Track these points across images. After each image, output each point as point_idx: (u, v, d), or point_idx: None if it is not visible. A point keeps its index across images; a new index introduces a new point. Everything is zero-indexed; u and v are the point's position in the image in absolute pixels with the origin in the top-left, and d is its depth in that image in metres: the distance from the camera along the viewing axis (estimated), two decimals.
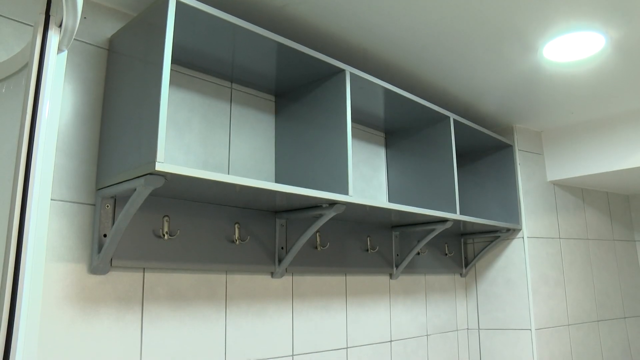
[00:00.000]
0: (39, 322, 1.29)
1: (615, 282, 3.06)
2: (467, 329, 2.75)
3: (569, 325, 2.69)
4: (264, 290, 1.81)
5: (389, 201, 2.32)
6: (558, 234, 2.77)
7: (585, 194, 3.00)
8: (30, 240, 1.30)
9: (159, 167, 1.19)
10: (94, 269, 1.39)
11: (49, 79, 0.99)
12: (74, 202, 1.39)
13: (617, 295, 3.04)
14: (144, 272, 1.51)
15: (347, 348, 2.06)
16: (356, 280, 2.15)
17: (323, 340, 1.97)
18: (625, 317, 3.04)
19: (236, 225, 1.71)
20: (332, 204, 1.62)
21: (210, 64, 1.69)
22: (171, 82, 1.63)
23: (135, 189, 1.26)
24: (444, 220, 2.08)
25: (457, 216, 2.09)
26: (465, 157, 2.78)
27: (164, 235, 1.52)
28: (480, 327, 2.70)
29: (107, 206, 1.43)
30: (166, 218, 1.54)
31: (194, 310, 1.60)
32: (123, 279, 1.46)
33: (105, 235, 1.41)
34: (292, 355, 1.86)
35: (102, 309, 1.41)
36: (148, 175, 1.21)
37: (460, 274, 2.76)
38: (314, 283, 1.98)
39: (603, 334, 2.88)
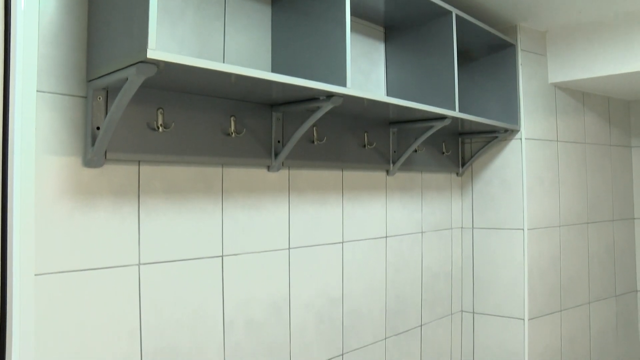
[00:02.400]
0: (33, 212, 1.30)
1: (608, 186, 3.09)
2: (462, 227, 2.80)
3: (560, 226, 2.75)
4: (260, 184, 1.81)
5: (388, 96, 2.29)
6: (556, 136, 2.76)
7: (586, 98, 2.96)
8: (17, 130, 1.27)
9: (150, 54, 1.14)
10: (88, 162, 1.38)
11: None
12: (64, 95, 1.35)
13: (608, 198, 3.08)
14: (139, 165, 1.50)
15: (342, 242, 2.10)
16: (353, 175, 2.16)
17: (319, 234, 2.01)
18: (613, 220, 3.10)
19: (232, 118, 1.68)
20: (330, 96, 1.58)
21: None
22: None
23: (127, 79, 1.22)
24: (442, 118, 2.05)
25: (455, 113, 2.06)
26: (466, 56, 2.71)
27: (158, 128, 1.50)
28: (474, 226, 2.75)
29: (99, 98, 1.39)
30: (160, 110, 1.50)
31: (191, 203, 1.61)
32: (118, 172, 1.45)
33: (98, 128, 1.38)
34: (289, 248, 1.90)
35: (98, 201, 1.41)
36: (140, 64, 1.17)
37: (457, 173, 2.78)
38: (310, 177, 1.98)
39: (591, 235, 2.94)
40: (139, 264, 1.49)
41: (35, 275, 1.28)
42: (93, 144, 1.37)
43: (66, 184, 1.35)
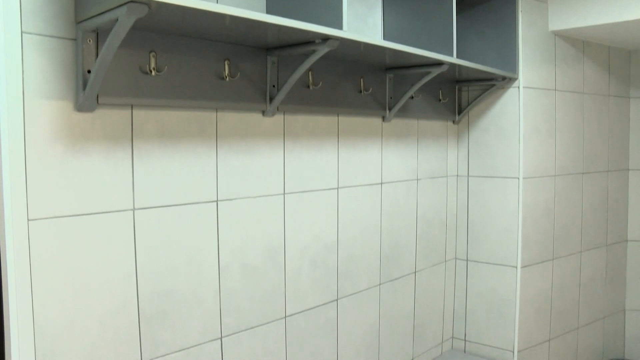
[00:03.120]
0: (24, 156, 1.28)
1: (605, 137, 3.08)
2: (457, 175, 2.81)
3: (555, 175, 2.75)
4: (255, 129, 1.79)
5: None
6: (554, 85, 2.73)
7: (586, 47, 2.92)
8: (2, 72, 1.24)
9: None
10: (80, 107, 1.36)
11: None
12: (52, 37, 1.31)
13: (603, 149, 3.08)
14: (132, 109, 1.48)
15: (338, 188, 2.10)
16: (348, 121, 2.14)
17: (314, 179, 2.01)
18: (608, 171, 3.11)
19: (226, 62, 1.65)
20: (325, 39, 1.55)
21: None
22: None
23: (118, 20, 1.18)
24: (439, 64, 2.02)
25: (453, 60, 2.03)
26: (465, 2, 2.65)
27: (151, 72, 1.47)
28: (469, 174, 2.76)
29: (89, 41, 1.36)
30: (152, 54, 1.47)
31: (185, 147, 1.60)
32: (111, 117, 1.43)
33: (89, 72, 1.35)
34: (284, 193, 1.90)
35: (91, 146, 1.39)
36: (130, 3, 1.13)
37: (453, 121, 2.76)
38: (306, 122, 1.97)
39: (585, 186, 2.96)
40: (134, 209, 1.49)
41: (29, 220, 1.28)
42: (84, 87, 1.34)
43: (58, 129, 1.33)
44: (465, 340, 2.88)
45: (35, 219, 1.30)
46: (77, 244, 1.38)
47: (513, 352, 2.68)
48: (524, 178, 2.59)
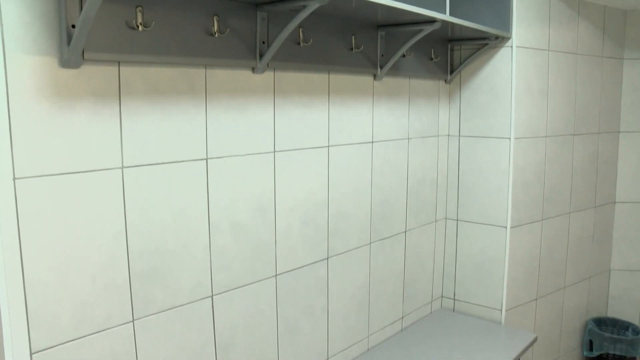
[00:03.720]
0: (7, 113, 1.26)
1: (597, 98, 3.07)
2: (448, 135, 2.80)
3: (546, 136, 2.75)
4: (245, 86, 1.77)
5: None
6: (548, 45, 2.70)
7: (582, 7, 2.88)
8: None
9: None
10: (65, 63, 1.32)
11: None
12: None
13: (595, 111, 3.07)
14: (119, 65, 1.44)
15: (328, 147, 2.09)
16: (339, 79, 2.12)
17: (305, 137, 2.00)
18: (599, 133, 3.11)
19: (215, 18, 1.61)
20: None
21: None
22: None
23: None
24: (432, 21, 1.99)
25: (446, 17, 2.00)
26: None
27: (137, 27, 1.43)
28: (460, 134, 2.75)
29: None
30: (139, 9, 1.43)
31: (173, 104, 1.57)
32: (97, 73, 1.40)
33: (73, 27, 1.32)
34: (274, 151, 1.89)
35: (78, 103, 1.37)
36: None
37: (445, 81, 2.74)
38: (296, 80, 1.94)
39: (576, 147, 2.96)
40: (122, 167, 1.47)
41: (15, 179, 1.27)
42: (69, 43, 1.31)
43: (43, 85, 1.30)
44: (454, 299, 2.92)
45: (22, 178, 1.28)
46: (66, 203, 1.36)
47: (501, 311, 2.73)
48: (515, 139, 2.59)
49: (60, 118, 1.34)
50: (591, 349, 3.09)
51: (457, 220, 2.83)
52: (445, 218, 2.87)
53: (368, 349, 2.49)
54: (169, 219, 1.60)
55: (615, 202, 3.30)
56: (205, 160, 1.68)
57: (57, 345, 1.38)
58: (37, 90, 1.29)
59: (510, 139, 2.58)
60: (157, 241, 1.57)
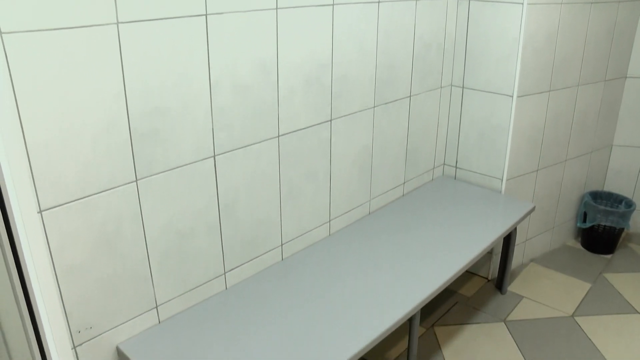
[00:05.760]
0: None
1: None
2: None
3: (561, 3, 2.61)
4: None
5: None
6: None
7: None
8: None
9: None
10: None
11: None
12: None
13: None
14: None
15: (333, 5, 1.98)
16: None
17: None
18: (619, 1, 2.95)
19: None
20: None
21: None
22: None
23: None
24: None
25: None
26: None
27: None
28: None
29: None
30: None
31: None
32: None
33: None
34: (277, 8, 1.78)
35: None
36: None
37: None
38: None
39: (593, 15, 2.82)
40: (117, 23, 1.39)
41: (1, 33, 1.18)
42: None
43: None
44: (456, 167, 2.94)
45: (9, 32, 1.20)
46: (59, 62, 1.30)
47: (502, 180, 2.75)
48: (528, 4, 2.46)
49: None
50: (584, 221, 3.17)
51: (463, 87, 2.77)
52: (451, 85, 2.81)
53: (369, 213, 2.54)
54: (168, 78, 1.55)
55: (626, 77, 3.20)
56: (204, 16, 1.59)
57: (64, 203, 1.40)
58: None
59: (523, 4, 2.45)
60: (157, 101, 1.54)
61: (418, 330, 2.01)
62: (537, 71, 2.63)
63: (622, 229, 3.11)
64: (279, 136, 1.94)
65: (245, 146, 1.83)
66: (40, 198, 1.34)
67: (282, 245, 2.11)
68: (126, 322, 1.65)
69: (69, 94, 1.34)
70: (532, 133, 2.75)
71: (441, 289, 2.01)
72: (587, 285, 2.88)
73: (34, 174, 1.32)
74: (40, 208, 1.35)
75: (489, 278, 2.93)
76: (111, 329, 1.61)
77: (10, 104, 1.24)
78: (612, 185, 3.39)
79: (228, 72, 1.70)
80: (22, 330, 1.15)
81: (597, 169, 3.29)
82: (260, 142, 1.88)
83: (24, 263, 1.09)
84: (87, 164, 1.42)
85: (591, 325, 2.57)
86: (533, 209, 2.65)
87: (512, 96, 2.59)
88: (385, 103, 2.40)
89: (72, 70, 1.33)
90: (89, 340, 1.56)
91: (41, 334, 1.13)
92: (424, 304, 1.92)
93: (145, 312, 1.69)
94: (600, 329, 2.54)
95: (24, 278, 1.09)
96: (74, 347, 1.53)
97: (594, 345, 2.43)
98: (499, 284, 2.82)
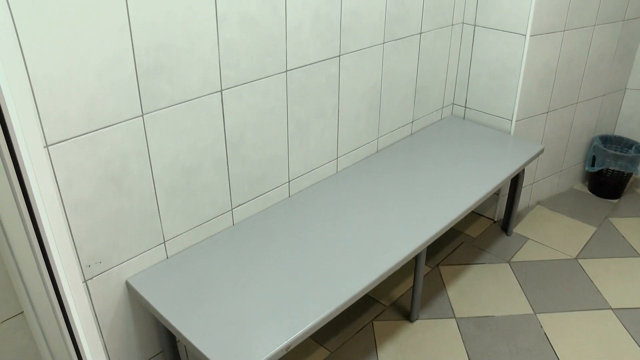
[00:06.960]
0: None
1: None
2: None
3: None
4: None
5: None
6: None
7: None
8: None
9: None
10: None
11: None
12: None
13: None
14: None
15: None
16: None
17: None
18: None
19: None
20: None
21: None
22: None
23: None
24: None
25: None
26: None
27: None
28: None
29: None
30: None
31: None
32: None
33: None
34: None
35: None
36: None
37: None
38: None
39: None
40: None
41: None
42: None
43: None
44: (465, 107, 2.90)
45: None
46: None
47: (511, 121, 2.72)
48: None
49: None
50: (593, 165, 3.14)
51: (475, 25, 2.69)
52: (463, 22, 2.73)
53: (377, 151, 2.52)
54: (173, 11, 1.50)
55: None
56: None
57: (70, 138, 1.39)
58: None
59: None
60: (163, 36, 1.50)
61: (423, 269, 2.03)
62: (553, 9, 2.54)
63: (630, 174, 3.09)
64: (286, 71, 1.90)
65: (253, 81, 1.80)
66: (46, 133, 1.33)
67: (289, 182, 2.11)
68: (135, 257, 1.66)
69: (72, 27, 1.30)
70: (544, 74, 2.69)
71: (447, 229, 2.02)
72: (592, 229, 2.89)
73: (39, 109, 1.30)
74: (46, 143, 1.34)
75: (495, 219, 2.94)
76: (120, 263, 1.63)
77: (12, 37, 1.20)
78: (623, 130, 3.34)
79: (234, 5, 1.65)
80: (34, 264, 1.17)
81: (609, 112, 3.24)
82: (267, 76, 1.84)
83: (32, 197, 1.09)
84: (93, 99, 1.40)
85: (594, 267, 2.59)
86: (542, 151, 2.62)
87: (525, 35, 2.52)
88: (395, 39, 2.34)
89: (75, 3, 1.29)
90: (98, 274, 1.58)
91: (52, 267, 1.14)
92: (429, 243, 1.93)
93: (153, 248, 1.71)
94: (602, 272, 2.56)
95: (33, 213, 1.09)
96: (85, 281, 1.55)
97: (595, 286, 2.46)
98: (505, 225, 2.83)
